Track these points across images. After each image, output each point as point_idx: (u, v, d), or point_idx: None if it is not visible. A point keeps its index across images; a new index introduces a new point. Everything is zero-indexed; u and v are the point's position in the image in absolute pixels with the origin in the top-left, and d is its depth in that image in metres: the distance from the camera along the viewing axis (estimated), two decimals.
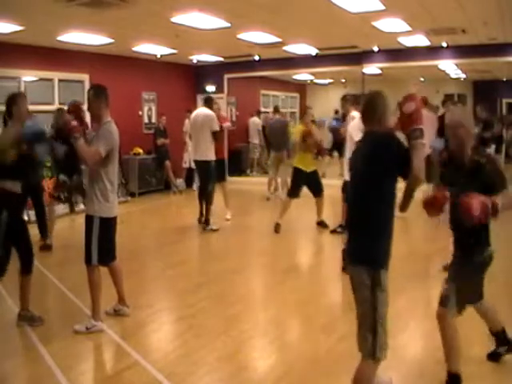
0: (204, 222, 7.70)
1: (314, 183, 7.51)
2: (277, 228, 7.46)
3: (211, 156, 7.61)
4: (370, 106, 2.75)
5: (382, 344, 2.59)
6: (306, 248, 7.17)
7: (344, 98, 7.34)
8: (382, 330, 2.59)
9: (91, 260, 4.00)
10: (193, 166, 10.95)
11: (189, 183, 11.64)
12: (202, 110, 7.78)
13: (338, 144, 11.35)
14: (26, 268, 4.11)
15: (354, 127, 6.09)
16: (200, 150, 7.65)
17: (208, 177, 7.70)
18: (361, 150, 2.79)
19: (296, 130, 7.66)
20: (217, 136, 7.59)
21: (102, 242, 4.01)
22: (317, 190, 7.53)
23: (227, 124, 8.40)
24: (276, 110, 10.89)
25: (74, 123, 3.91)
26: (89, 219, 4.02)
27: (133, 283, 5.18)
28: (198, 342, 3.85)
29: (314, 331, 4.14)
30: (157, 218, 9.05)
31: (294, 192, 7.48)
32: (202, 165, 7.71)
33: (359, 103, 7.64)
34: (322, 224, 7.61)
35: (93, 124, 4.16)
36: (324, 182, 7.77)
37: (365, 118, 2.80)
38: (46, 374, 3.37)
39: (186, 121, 11.15)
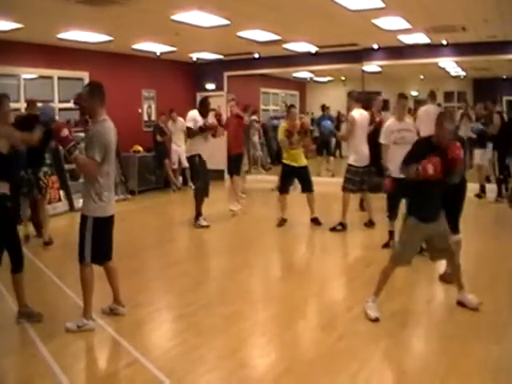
0: (195, 217, 7.72)
1: (303, 178, 7.52)
2: (281, 223, 7.55)
3: (191, 151, 7.68)
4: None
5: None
6: (305, 246, 7.16)
7: (349, 95, 7.34)
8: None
9: (84, 258, 3.96)
10: (184, 165, 11.05)
11: (185, 181, 11.59)
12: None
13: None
14: (16, 267, 4.10)
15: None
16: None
17: (193, 173, 7.94)
18: None
19: (280, 129, 7.61)
20: (188, 132, 7.68)
21: (95, 241, 3.95)
22: (306, 186, 7.51)
23: (242, 116, 8.50)
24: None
25: (66, 132, 3.80)
26: (83, 219, 3.97)
27: (133, 281, 5.18)
28: (197, 340, 3.85)
29: (313, 329, 4.13)
30: (157, 216, 9.05)
31: (283, 187, 7.56)
32: (188, 162, 8.06)
33: (363, 100, 7.68)
34: (315, 221, 7.55)
35: (89, 120, 4.10)
36: (329, 180, 7.82)
37: None
38: (45, 371, 3.37)
39: (170, 123, 11.15)
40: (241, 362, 3.51)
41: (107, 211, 4.01)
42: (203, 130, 7.52)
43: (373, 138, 7.59)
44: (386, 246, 6.25)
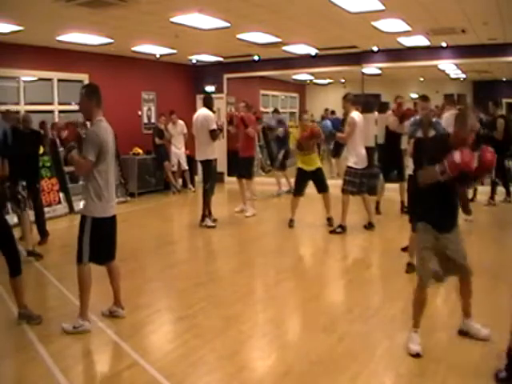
0: (201, 217, 7.83)
1: (317, 180, 7.59)
2: (290, 223, 7.67)
3: (210, 155, 7.75)
4: None
5: None
6: (305, 248, 7.16)
7: (345, 98, 7.33)
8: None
9: (82, 258, 3.97)
10: (184, 167, 11.30)
11: (184, 184, 11.59)
12: (201, 111, 7.92)
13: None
14: (14, 270, 4.09)
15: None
16: (200, 149, 7.84)
17: (207, 175, 7.86)
18: None
19: (292, 138, 7.78)
20: (214, 135, 7.69)
21: (94, 241, 3.95)
22: (320, 187, 7.61)
23: (249, 129, 8.52)
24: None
25: (65, 134, 3.95)
26: (82, 218, 3.99)
27: (132, 283, 5.18)
28: (197, 341, 3.84)
29: (313, 331, 4.13)
30: (156, 218, 9.04)
31: (297, 190, 7.62)
32: (202, 164, 7.94)
33: (360, 103, 7.71)
34: (329, 221, 7.62)
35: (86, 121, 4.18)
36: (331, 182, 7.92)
37: None
38: (45, 373, 3.36)
39: (170, 125, 11.15)
40: (241, 364, 3.51)
41: (107, 211, 4.01)
42: (221, 129, 7.98)
43: (393, 140, 7.74)
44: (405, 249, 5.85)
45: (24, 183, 6.34)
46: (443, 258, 3.53)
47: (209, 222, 7.77)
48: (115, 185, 9.46)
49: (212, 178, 7.87)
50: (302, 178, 7.57)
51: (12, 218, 6.62)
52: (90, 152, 3.84)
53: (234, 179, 11.15)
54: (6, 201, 6.18)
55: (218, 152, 8.20)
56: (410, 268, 5.35)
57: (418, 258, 3.62)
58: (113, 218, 4.11)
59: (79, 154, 3.94)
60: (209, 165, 7.78)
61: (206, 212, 7.84)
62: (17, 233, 5.66)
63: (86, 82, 9.89)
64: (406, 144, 6.77)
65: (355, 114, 7.12)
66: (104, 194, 3.95)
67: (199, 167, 8.97)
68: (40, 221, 6.82)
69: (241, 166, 8.84)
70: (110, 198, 4.02)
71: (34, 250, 6.20)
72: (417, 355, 3.46)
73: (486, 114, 9.60)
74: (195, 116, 7.98)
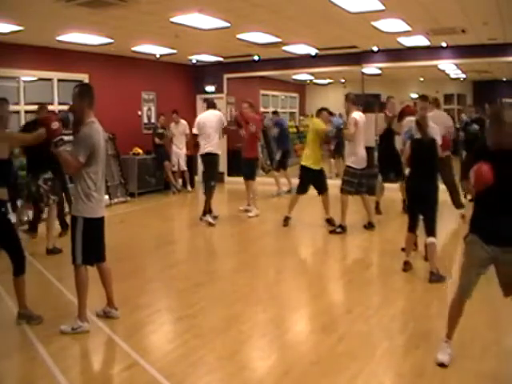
0: (202, 212, 8.00)
1: (320, 181, 7.55)
2: (285, 222, 7.70)
3: (219, 150, 8.15)
4: None
5: None
6: (305, 248, 7.16)
7: (347, 98, 7.33)
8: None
9: (75, 260, 3.97)
10: (183, 168, 11.34)
11: (184, 184, 11.59)
12: (212, 112, 8.22)
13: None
14: (18, 269, 4.09)
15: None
16: (213, 145, 8.09)
17: (215, 171, 8.27)
18: None
19: (317, 124, 7.46)
20: (225, 131, 8.56)
21: (86, 242, 3.95)
22: (322, 188, 7.56)
23: (253, 127, 8.68)
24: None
25: (56, 125, 3.85)
26: (73, 219, 3.98)
27: (132, 283, 5.19)
28: (197, 341, 3.84)
29: (313, 331, 4.13)
30: (156, 218, 9.03)
31: (302, 189, 7.59)
32: (211, 157, 8.14)
33: (362, 103, 7.72)
34: (329, 222, 7.57)
35: (75, 122, 4.11)
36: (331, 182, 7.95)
37: None
38: (45, 373, 3.36)
39: (172, 124, 11.16)
40: (241, 364, 3.51)
41: (96, 212, 4.01)
42: (240, 125, 8.61)
43: (387, 140, 7.73)
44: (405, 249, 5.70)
45: (46, 176, 6.38)
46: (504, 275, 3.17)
47: (209, 219, 7.81)
48: (115, 185, 9.44)
49: (216, 174, 8.20)
50: (308, 176, 7.48)
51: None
52: (81, 153, 3.82)
53: (233, 179, 11.19)
54: (30, 190, 6.36)
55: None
56: (406, 266, 5.38)
57: (462, 274, 3.28)
58: (102, 219, 4.10)
59: (69, 152, 3.91)
60: (217, 159, 8.10)
61: (207, 208, 7.92)
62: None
63: (86, 82, 9.89)
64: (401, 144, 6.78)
65: (356, 114, 7.12)
66: (94, 194, 3.94)
67: (199, 167, 9.03)
68: (61, 214, 6.89)
69: (245, 167, 8.88)
70: (99, 199, 4.02)
71: (54, 249, 6.30)
72: (441, 365, 3.31)
73: (476, 113, 9.56)
74: (205, 117, 8.12)
